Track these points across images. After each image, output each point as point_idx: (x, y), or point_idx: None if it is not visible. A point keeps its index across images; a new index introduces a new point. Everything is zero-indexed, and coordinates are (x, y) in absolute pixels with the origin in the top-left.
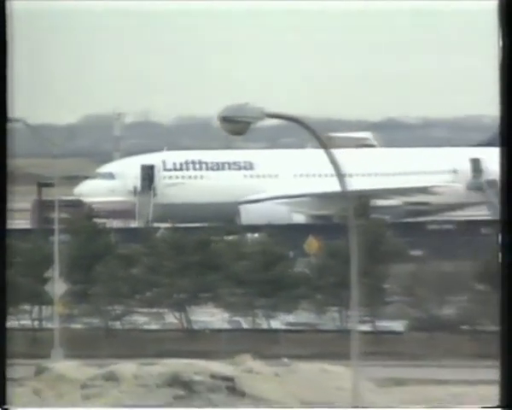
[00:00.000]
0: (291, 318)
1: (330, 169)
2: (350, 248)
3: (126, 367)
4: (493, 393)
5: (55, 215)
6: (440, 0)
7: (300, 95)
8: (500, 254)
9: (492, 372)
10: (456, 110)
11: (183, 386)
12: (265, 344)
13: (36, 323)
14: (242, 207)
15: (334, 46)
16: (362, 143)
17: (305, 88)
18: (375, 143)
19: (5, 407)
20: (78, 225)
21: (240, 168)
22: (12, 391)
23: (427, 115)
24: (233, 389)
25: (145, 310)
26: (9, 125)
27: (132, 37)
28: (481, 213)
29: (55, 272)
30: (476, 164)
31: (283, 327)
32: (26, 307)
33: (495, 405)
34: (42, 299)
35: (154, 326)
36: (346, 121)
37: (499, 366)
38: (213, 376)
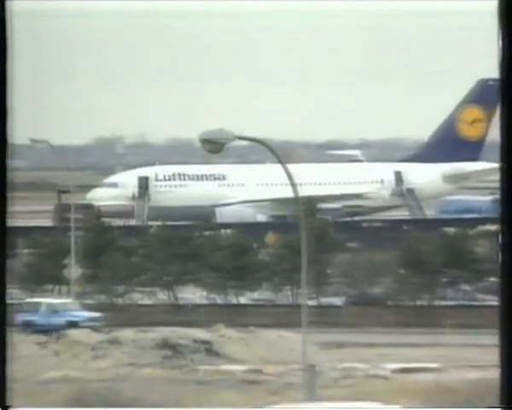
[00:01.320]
0: (255, 295)
1: (285, 179)
2: (300, 241)
3: (126, 334)
4: (412, 354)
5: (72, 216)
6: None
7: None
8: (500, 254)
9: (411, 337)
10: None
11: (171, 348)
12: (235, 316)
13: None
14: (217, 210)
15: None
16: (351, 159)
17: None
18: (362, 158)
19: (6, 405)
20: (90, 223)
21: (215, 179)
22: (39, 351)
23: (363, 137)
24: (210, 350)
25: (141, 289)
26: (9, 128)
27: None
28: (402, 214)
29: (71, 259)
30: (398, 176)
31: (249, 302)
32: (49, 286)
33: (496, 404)
34: (61, 280)
35: (148, 302)
36: (296, 142)
37: (499, 365)
38: (195, 340)
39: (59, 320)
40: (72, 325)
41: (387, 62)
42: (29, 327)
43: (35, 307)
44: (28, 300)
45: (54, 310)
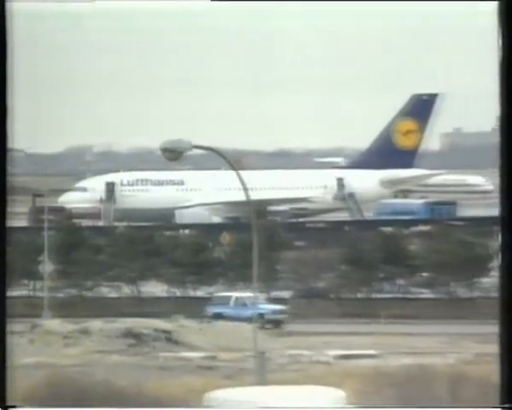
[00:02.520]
0: (211, 289)
1: (238, 184)
2: (252, 240)
3: (95, 324)
4: (353, 341)
5: (45, 217)
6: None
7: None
8: (500, 254)
9: (352, 326)
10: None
11: (135, 337)
12: (193, 308)
13: (31, 292)
14: (177, 212)
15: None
16: (335, 166)
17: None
18: (344, 165)
19: (6, 405)
20: (61, 224)
21: (174, 184)
22: (14, 341)
23: (309, 147)
24: (170, 339)
25: (108, 284)
26: (9, 132)
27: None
28: (344, 216)
29: (45, 256)
30: (340, 181)
31: (206, 295)
32: (25, 281)
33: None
34: (36, 275)
35: (114, 295)
36: (247, 151)
37: (499, 365)
38: (156, 330)
39: (247, 313)
40: (259, 316)
41: (377, 66)
42: (219, 318)
43: (226, 300)
44: (219, 294)
45: (242, 303)
